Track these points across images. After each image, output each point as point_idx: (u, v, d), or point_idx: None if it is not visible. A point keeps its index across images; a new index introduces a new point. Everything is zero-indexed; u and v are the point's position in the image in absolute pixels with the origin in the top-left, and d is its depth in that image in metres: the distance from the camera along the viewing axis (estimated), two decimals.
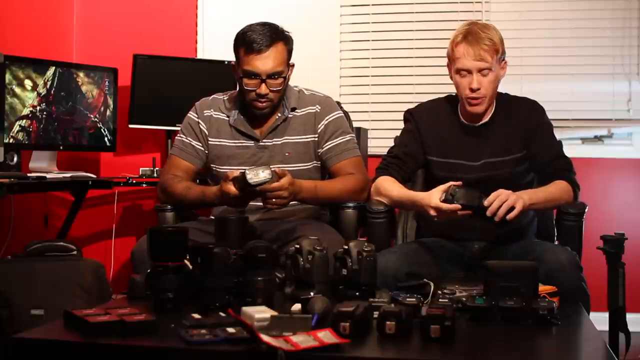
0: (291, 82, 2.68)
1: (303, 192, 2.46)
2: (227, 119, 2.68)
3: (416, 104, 2.78)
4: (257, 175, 2.28)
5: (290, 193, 2.37)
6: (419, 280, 2.13)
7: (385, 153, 2.68)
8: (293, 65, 2.62)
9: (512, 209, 2.25)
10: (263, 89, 2.53)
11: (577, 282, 2.24)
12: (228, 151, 2.66)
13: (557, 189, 2.44)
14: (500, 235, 2.46)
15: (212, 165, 2.69)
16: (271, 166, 2.36)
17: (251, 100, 2.57)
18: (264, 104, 2.57)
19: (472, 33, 2.43)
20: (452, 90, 2.60)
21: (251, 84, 2.54)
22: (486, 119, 2.55)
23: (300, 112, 2.68)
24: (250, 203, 2.59)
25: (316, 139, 2.67)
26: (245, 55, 2.53)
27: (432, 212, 2.30)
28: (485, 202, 2.26)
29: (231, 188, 2.34)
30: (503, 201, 2.25)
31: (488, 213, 2.26)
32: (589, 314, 2.11)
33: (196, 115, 2.71)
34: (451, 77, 2.53)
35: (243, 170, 2.30)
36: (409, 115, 2.66)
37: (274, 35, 2.53)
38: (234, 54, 2.61)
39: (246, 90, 2.56)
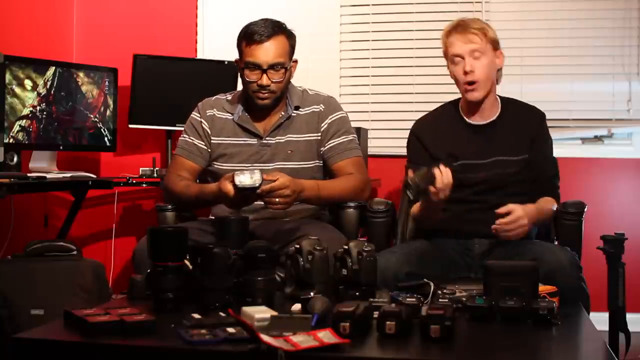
0: (292, 82, 2.69)
1: (306, 190, 2.47)
2: (231, 117, 2.69)
3: (416, 105, 2.77)
4: (244, 179, 2.28)
5: (292, 191, 2.37)
6: (419, 280, 2.13)
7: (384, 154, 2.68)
8: (296, 62, 2.64)
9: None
10: (264, 80, 2.55)
11: (577, 282, 2.24)
12: (231, 149, 2.67)
13: (552, 208, 2.51)
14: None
15: (214, 163, 2.70)
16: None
17: (253, 92, 2.59)
18: (265, 95, 2.58)
19: (461, 23, 2.52)
20: (451, 89, 2.61)
21: (253, 76, 2.56)
22: (493, 117, 2.56)
23: (303, 111, 2.69)
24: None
25: (319, 137, 2.68)
26: (246, 47, 2.56)
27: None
28: (497, 223, 2.33)
29: (229, 187, 2.34)
30: (511, 228, 2.32)
31: (495, 227, 2.33)
32: (589, 314, 2.11)
33: (199, 115, 2.72)
34: (451, 75, 2.55)
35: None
36: (412, 136, 2.66)
37: (275, 27, 2.57)
38: (237, 50, 2.62)
39: (248, 82, 2.58)
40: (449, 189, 2.30)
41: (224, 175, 2.41)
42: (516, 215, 2.31)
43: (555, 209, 2.52)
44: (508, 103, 2.61)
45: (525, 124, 2.55)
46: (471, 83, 2.47)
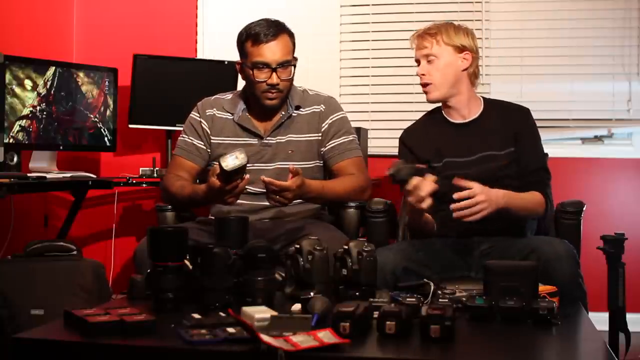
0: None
1: (312, 192, 2.49)
2: (231, 117, 2.69)
3: (416, 105, 2.79)
4: (231, 162, 2.23)
5: (294, 195, 2.39)
6: (417, 278, 2.13)
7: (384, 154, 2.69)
8: (296, 59, 2.64)
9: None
10: (274, 78, 2.56)
11: (573, 272, 2.24)
12: (232, 149, 2.66)
13: (534, 200, 2.46)
14: (500, 232, 2.47)
15: (214, 163, 2.69)
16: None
17: (262, 93, 2.59)
18: (274, 95, 2.59)
19: (420, 30, 2.59)
20: None
21: (262, 75, 2.56)
22: (475, 115, 2.59)
23: (304, 111, 2.69)
24: (252, 203, 2.60)
25: (320, 137, 2.69)
26: (253, 47, 2.55)
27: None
28: (455, 196, 2.27)
29: (215, 180, 2.34)
30: (472, 204, 2.25)
31: (453, 207, 2.26)
32: (587, 313, 2.11)
33: (198, 115, 2.72)
34: None
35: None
36: (401, 144, 2.68)
37: (279, 26, 2.59)
38: (238, 51, 2.62)
39: (257, 83, 2.57)
40: (425, 200, 2.26)
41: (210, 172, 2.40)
42: (474, 194, 2.27)
43: (543, 202, 2.47)
44: (492, 102, 2.65)
45: (509, 119, 2.58)
46: (425, 85, 2.55)
